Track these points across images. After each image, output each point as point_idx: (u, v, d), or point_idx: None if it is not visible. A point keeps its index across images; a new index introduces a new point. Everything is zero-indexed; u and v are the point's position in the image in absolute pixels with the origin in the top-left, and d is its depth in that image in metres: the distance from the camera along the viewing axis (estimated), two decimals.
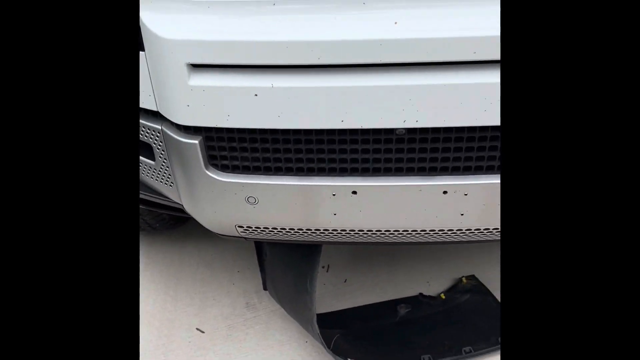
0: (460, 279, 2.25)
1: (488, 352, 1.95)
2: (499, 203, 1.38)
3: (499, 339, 1.96)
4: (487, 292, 2.19)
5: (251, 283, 2.31)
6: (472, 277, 2.25)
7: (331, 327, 2.00)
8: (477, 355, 1.93)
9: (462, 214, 1.41)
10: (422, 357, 1.91)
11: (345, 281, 2.29)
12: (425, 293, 2.21)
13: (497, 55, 1.18)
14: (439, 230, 1.49)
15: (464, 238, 1.54)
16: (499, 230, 1.47)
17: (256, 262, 2.39)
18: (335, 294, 2.26)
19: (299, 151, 1.34)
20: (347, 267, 2.36)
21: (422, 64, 1.20)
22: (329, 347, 1.87)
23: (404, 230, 1.49)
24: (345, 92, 1.22)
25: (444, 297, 2.19)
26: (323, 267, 2.37)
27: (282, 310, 2.15)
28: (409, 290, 2.26)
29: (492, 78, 1.19)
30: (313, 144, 1.32)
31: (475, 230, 1.48)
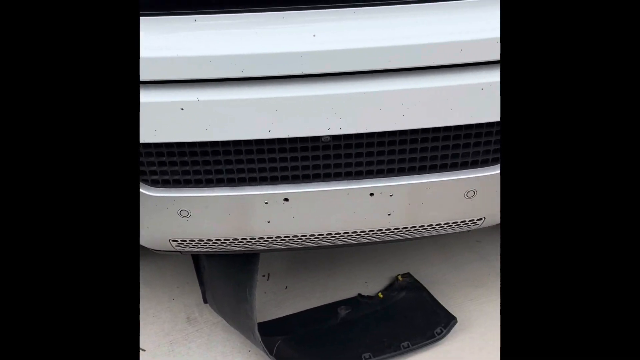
0: (396, 277, 2.33)
1: (425, 345, 2.04)
2: (422, 202, 1.46)
3: (435, 332, 2.06)
4: (422, 288, 2.28)
5: (191, 297, 2.29)
6: (407, 275, 2.34)
7: (273, 334, 2.02)
8: (414, 349, 2.02)
9: (389, 214, 1.49)
10: (362, 355, 1.97)
11: (286, 288, 2.32)
12: (363, 293, 2.28)
13: (410, 63, 1.26)
14: (369, 231, 1.55)
15: (393, 237, 1.61)
16: (425, 227, 1.56)
17: (195, 276, 2.38)
18: (276, 301, 2.28)
19: (229, 162, 1.37)
20: (288, 274, 2.40)
21: (342, 74, 1.26)
22: (271, 354, 1.89)
23: (336, 233, 1.55)
24: (270, 103, 1.27)
25: (381, 296, 2.26)
26: (263, 275, 2.39)
27: (224, 321, 2.16)
28: (348, 291, 2.32)
29: (407, 84, 1.27)
30: (242, 155, 1.36)
31: (403, 228, 1.55)
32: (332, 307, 2.20)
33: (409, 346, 2.01)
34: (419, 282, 2.31)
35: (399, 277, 2.32)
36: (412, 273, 2.35)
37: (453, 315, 2.13)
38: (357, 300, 2.24)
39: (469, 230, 1.67)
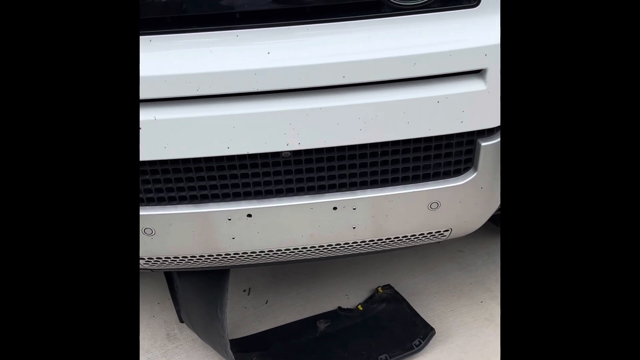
0: (376, 289, 2.33)
1: (403, 357, 2.03)
2: (386, 214, 1.47)
3: (413, 344, 2.06)
4: (402, 300, 2.28)
5: (171, 314, 2.29)
6: (387, 287, 2.33)
7: (250, 350, 2.02)
8: None
9: (354, 227, 1.49)
10: None
11: (266, 302, 2.32)
12: (343, 306, 2.27)
13: (364, 78, 1.27)
14: (337, 244, 1.56)
15: (362, 250, 1.61)
16: (391, 239, 1.56)
17: None
18: (257, 316, 2.28)
19: (190, 179, 1.37)
20: (269, 289, 2.39)
21: (297, 90, 1.27)
22: None
23: (303, 248, 1.55)
24: (227, 120, 1.27)
25: (361, 308, 2.26)
26: (244, 290, 2.39)
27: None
28: (330, 304, 2.31)
29: (363, 99, 1.28)
30: (203, 172, 1.36)
31: (370, 241, 1.56)
32: (311, 321, 2.19)
33: (387, 358, 2.01)
34: (399, 293, 2.30)
35: (379, 289, 2.32)
36: (393, 284, 2.34)
37: (431, 327, 2.13)
38: (337, 314, 2.23)
39: (439, 242, 1.67)
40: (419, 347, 2.07)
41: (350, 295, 2.35)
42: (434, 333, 2.10)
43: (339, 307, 2.27)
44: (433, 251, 2.54)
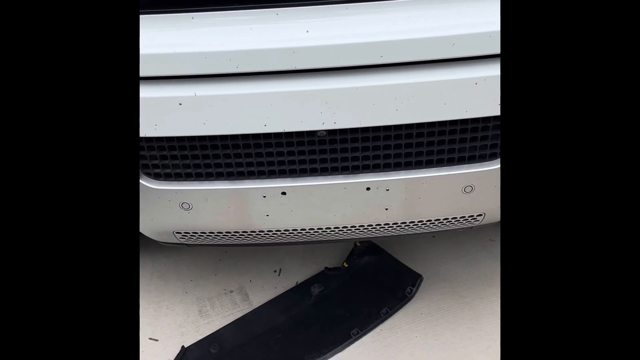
0: (354, 243, 2.37)
1: (400, 307, 2.14)
2: (419, 197, 1.47)
3: (405, 292, 2.18)
4: (381, 250, 2.35)
5: (204, 291, 2.35)
6: (364, 240, 2.36)
7: (256, 326, 2.12)
8: (392, 313, 2.12)
9: (386, 209, 1.50)
10: (351, 332, 2.04)
11: (296, 283, 2.35)
12: (329, 266, 2.33)
13: (402, 58, 1.27)
14: (368, 225, 1.57)
15: (393, 232, 1.62)
16: (423, 222, 1.56)
17: (209, 269, 2.44)
18: None
19: (227, 156, 1.40)
20: (299, 270, 2.42)
21: (335, 69, 1.28)
22: None
23: (335, 227, 1.57)
24: (265, 98, 1.30)
25: (346, 265, 2.32)
26: (275, 271, 2.43)
27: (235, 315, 2.21)
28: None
29: (400, 79, 1.28)
30: (240, 149, 1.39)
31: (402, 223, 1.56)
32: (304, 287, 2.27)
33: (387, 312, 2.12)
34: (376, 244, 2.37)
35: (357, 243, 2.37)
36: (424, 270, 2.34)
37: (418, 273, 2.24)
38: (326, 275, 2.31)
39: (472, 227, 1.66)
40: (412, 295, 2.18)
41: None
42: (422, 279, 2.21)
43: (326, 268, 2.33)
44: (464, 239, 2.53)
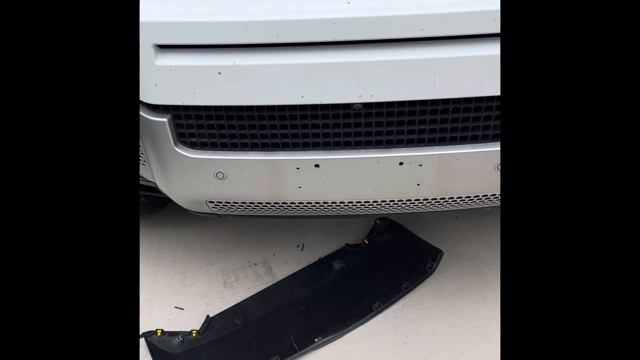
0: (374, 221, 2.42)
1: (421, 282, 2.19)
2: (451, 173, 1.47)
3: (426, 267, 2.23)
4: (402, 228, 2.40)
5: (228, 263, 2.39)
6: (384, 218, 2.39)
7: (279, 299, 2.17)
8: (413, 288, 2.17)
9: (418, 184, 1.50)
10: (372, 306, 2.09)
11: (319, 258, 2.37)
12: (350, 242, 2.37)
13: (443, 32, 1.26)
14: (398, 201, 1.58)
15: (421, 208, 1.63)
16: (454, 199, 1.57)
17: (233, 242, 2.48)
18: None
19: (263, 127, 1.41)
20: (322, 245, 2.45)
21: (375, 41, 1.28)
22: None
23: (365, 202, 1.58)
24: (303, 69, 1.30)
25: (367, 242, 2.37)
26: (298, 246, 2.46)
27: (258, 287, 2.24)
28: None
29: (440, 53, 1.28)
30: (276, 120, 1.40)
31: (432, 199, 1.57)
32: (326, 263, 2.32)
33: (408, 286, 2.17)
34: (396, 222, 2.41)
35: (377, 221, 2.42)
36: (446, 250, 2.36)
37: (438, 248, 2.28)
38: (347, 251, 2.36)
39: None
40: (432, 269, 2.22)
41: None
42: (442, 254, 2.26)
43: (347, 244, 2.38)
44: (487, 220, 2.53)
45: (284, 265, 2.36)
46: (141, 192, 1.97)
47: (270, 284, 2.26)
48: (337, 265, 2.28)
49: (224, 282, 2.30)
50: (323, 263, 2.33)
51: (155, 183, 1.65)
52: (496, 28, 1.25)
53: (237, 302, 2.18)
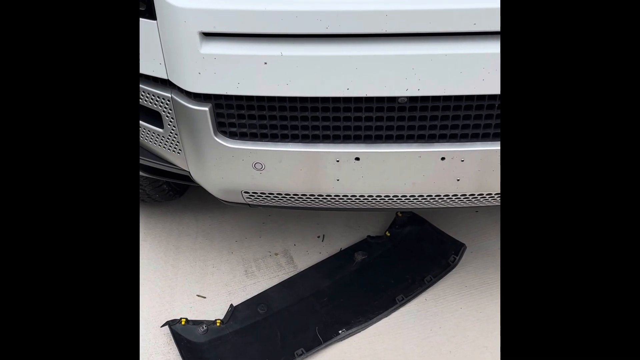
0: (396, 214, 2.41)
1: (443, 275, 2.19)
2: (493, 169, 1.46)
3: (449, 261, 2.22)
4: (423, 221, 2.39)
5: (249, 252, 2.38)
6: (405, 210, 2.39)
7: (300, 290, 2.16)
8: (436, 281, 2.17)
9: (458, 180, 1.49)
10: (396, 298, 2.09)
11: (340, 249, 2.37)
12: (372, 234, 2.37)
13: (495, 27, 1.24)
14: (436, 196, 1.57)
15: (459, 204, 1.62)
16: (492, 196, 1.56)
17: (254, 231, 2.47)
18: None
19: (304, 118, 1.40)
20: (342, 236, 2.44)
21: (425, 35, 1.26)
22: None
23: (402, 196, 1.57)
24: (351, 61, 1.28)
25: (388, 234, 2.36)
26: (319, 237, 2.45)
27: (280, 277, 2.24)
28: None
29: (491, 49, 1.26)
30: (319, 112, 1.38)
31: (470, 195, 1.56)
32: (347, 254, 2.31)
33: (431, 279, 2.17)
34: (418, 215, 2.41)
35: (399, 214, 2.41)
36: (468, 244, 2.36)
37: (461, 242, 2.28)
38: (369, 243, 2.35)
39: None
40: (455, 263, 2.22)
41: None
42: (465, 247, 2.25)
43: (368, 236, 2.37)
44: None
45: (305, 255, 2.35)
46: (163, 179, 1.95)
47: (292, 274, 2.26)
48: (359, 257, 2.27)
49: (245, 271, 2.29)
50: (345, 254, 2.32)
51: (188, 172, 1.63)
52: None
53: (260, 291, 2.17)
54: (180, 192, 2.51)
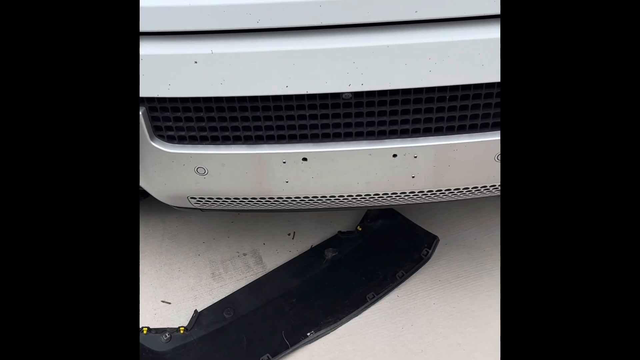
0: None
1: (416, 270, 2.12)
2: (449, 165, 1.38)
3: (421, 254, 2.15)
4: (396, 213, 2.30)
5: (217, 253, 2.30)
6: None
7: (269, 291, 2.09)
8: (408, 276, 2.09)
9: (413, 177, 1.41)
10: (367, 297, 2.02)
11: (311, 247, 2.30)
12: (343, 229, 2.29)
13: (439, 14, 1.16)
14: (393, 194, 1.49)
15: (419, 200, 1.54)
16: (451, 191, 1.48)
17: (222, 231, 2.39)
18: None
19: (245, 119, 1.31)
20: (314, 233, 2.37)
21: (365, 25, 1.17)
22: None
23: (357, 195, 1.49)
24: (287, 57, 1.19)
25: (360, 228, 2.28)
26: (289, 234, 2.37)
27: (248, 279, 2.17)
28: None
29: (436, 37, 1.17)
30: (259, 111, 1.30)
31: (428, 192, 1.48)
32: (317, 251, 2.23)
33: (403, 275, 2.09)
34: (390, 207, 2.32)
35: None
36: (442, 236, 2.29)
37: (433, 234, 2.20)
38: (340, 239, 2.27)
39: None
40: (428, 256, 2.15)
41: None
42: (438, 240, 2.18)
43: (339, 232, 2.29)
44: (484, 204, 2.45)
45: (275, 254, 2.28)
46: None
47: (260, 275, 2.19)
48: (329, 254, 2.20)
49: (212, 273, 2.22)
50: (315, 252, 2.25)
51: None
52: (496, 9, 1.15)
53: (226, 295, 2.10)
54: (146, 193, 2.43)
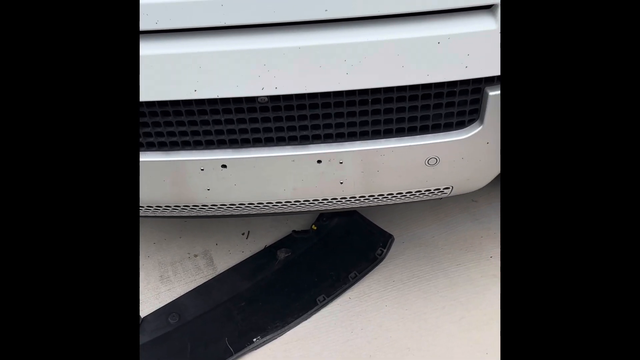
0: None
1: (370, 270, 2.04)
2: (377, 170, 1.31)
3: (376, 254, 2.08)
4: (352, 212, 2.22)
5: (167, 255, 2.23)
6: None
7: (218, 295, 2.01)
8: (362, 277, 2.02)
9: (341, 183, 1.34)
10: (317, 299, 1.96)
11: (265, 247, 2.23)
12: (297, 229, 2.22)
13: (353, 12, 1.07)
14: (323, 200, 1.41)
15: (352, 205, 1.47)
16: (384, 196, 1.41)
17: (174, 231, 2.32)
18: None
19: (156, 124, 1.23)
20: (268, 232, 2.30)
21: (272, 25, 1.09)
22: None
23: (286, 202, 1.41)
24: (192, 59, 1.11)
25: (315, 227, 2.21)
26: (243, 234, 2.30)
27: (197, 281, 2.10)
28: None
29: (349, 38, 1.09)
30: (171, 116, 1.22)
31: (360, 197, 1.41)
32: (270, 252, 2.16)
33: (356, 275, 2.03)
34: None
35: None
36: (400, 233, 2.22)
37: (389, 233, 2.13)
38: (294, 238, 2.20)
39: (440, 198, 1.51)
40: (382, 256, 2.08)
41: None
42: (393, 239, 2.12)
43: (293, 231, 2.22)
44: (445, 200, 2.38)
45: (227, 255, 2.21)
46: None
47: (210, 277, 2.12)
48: (281, 254, 2.13)
49: (161, 276, 2.15)
50: (267, 252, 2.17)
51: None
52: (414, 7, 1.06)
53: (173, 299, 2.03)
54: None
